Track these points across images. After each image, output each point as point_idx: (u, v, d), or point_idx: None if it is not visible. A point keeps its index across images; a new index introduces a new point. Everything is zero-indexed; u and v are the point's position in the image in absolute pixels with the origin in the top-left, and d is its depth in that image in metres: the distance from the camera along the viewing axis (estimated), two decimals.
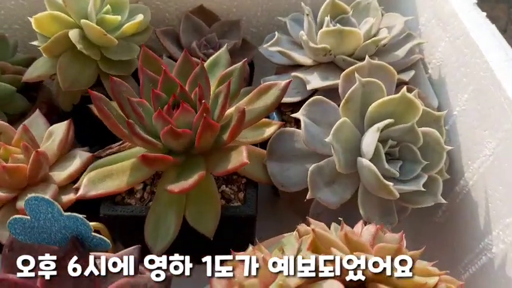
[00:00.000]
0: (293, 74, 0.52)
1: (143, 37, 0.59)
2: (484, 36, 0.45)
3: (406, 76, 0.50)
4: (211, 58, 0.53)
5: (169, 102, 0.45)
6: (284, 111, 0.56)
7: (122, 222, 0.47)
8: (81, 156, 0.49)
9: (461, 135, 0.48)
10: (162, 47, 0.61)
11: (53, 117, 0.59)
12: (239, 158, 0.40)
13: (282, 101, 0.53)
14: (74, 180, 0.48)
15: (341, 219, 0.36)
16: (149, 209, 0.45)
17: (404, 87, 0.42)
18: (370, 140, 0.42)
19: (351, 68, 0.47)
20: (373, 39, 0.50)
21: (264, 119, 0.51)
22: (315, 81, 0.50)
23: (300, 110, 0.46)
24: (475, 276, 0.45)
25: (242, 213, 0.47)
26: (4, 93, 0.56)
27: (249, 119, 0.48)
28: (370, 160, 0.42)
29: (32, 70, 0.55)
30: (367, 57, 0.47)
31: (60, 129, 0.51)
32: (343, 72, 0.47)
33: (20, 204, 0.45)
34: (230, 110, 0.50)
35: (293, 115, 0.46)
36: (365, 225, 0.37)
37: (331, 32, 0.50)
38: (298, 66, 0.55)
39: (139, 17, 0.55)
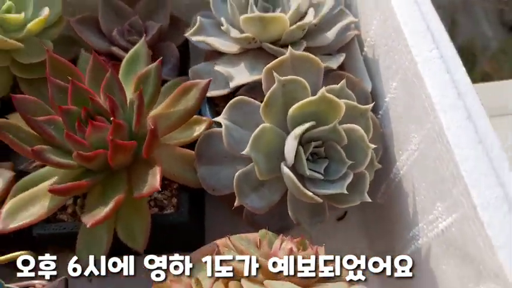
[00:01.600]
0: (216, 67, 0.48)
1: (56, 30, 0.54)
2: (411, 20, 0.41)
3: (334, 63, 0.47)
4: (127, 55, 0.49)
5: (80, 117, 0.42)
6: (218, 103, 0.53)
7: (55, 240, 0.47)
8: (2, 175, 0.47)
9: (393, 123, 0.46)
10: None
11: None
12: (152, 182, 0.39)
13: (212, 95, 0.51)
14: (1, 201, 0.46)
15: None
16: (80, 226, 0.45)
17: (323, 89, 0.40)
18: (290, 147, 0.40)
19: (271, 63, 0.43)
20: (298, 24, 0.46)
21: (194, 116, 0.48)
22: (239, 76, 0.47)
23: (222, 113, 0.44)
24: None
25: (175, 220, 0.47)
26: None
27: (169, 124, 0.46)
28: (292, 165, 0.41)
29: None
30: (289, 48, 0.44)
31: None
32: (264, 69, 0.43)
33: None
34: (152, 113, 0.47)
35: (215, 119, 0.44)
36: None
37: (251, 19, 0.46)
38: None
39: (45, 12, 0.50)
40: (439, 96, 0.37)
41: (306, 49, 0.48)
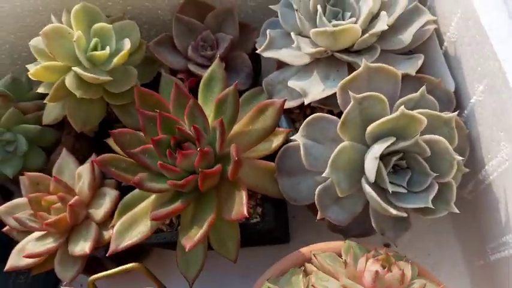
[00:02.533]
0: (290, 83, 0.49)
1: (138, 55, 0.58)
2: (498, 26, 0.38)
3: (412, 69, 0.45)
4: (204, 77, 0.52)
5: (171, 145, 0.46)
6: (292, 111, 0.54)
7: (157, 246, 0.53)
8: (109, 195, 0.53)
9: (481, 125, 0.44)
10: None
11: (81, 142, 0.64)
12: (239, 208, 0.42)
13: (287, 106, 0.52)
14: (109, 215, 0.53)
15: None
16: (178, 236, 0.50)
17: (402, 107, 0.39)
18: (370, 166, 0.40)
19: (346, 79, 0.43)
20: (371, 32, 0.45)
21: None
22: (313, 90, 0.47)
23: (299, 131, 0.45)
24: (497, 263, 0.45)
25: (262, 228, 0.50)
26: (33, 133, 0.60)
27: (249, 141, 0.48)
28: (373, 182, 0.41)
29: (47, 114, 0.58)
30: (363, 62, 0.43)
31: (86, 171, 0.55)
32: (338, 85, 0.43)
33: (72, 248, 0.52)
34: (233, 132, 0.50)
35: (292, 137, 0.45)
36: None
37: (323, 33, 0.45)
38: None
39: (127, 45, 0.54)
40: None
41: (381, 52, 0.47)
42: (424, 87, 0.43)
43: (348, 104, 0.43)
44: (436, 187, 0.41)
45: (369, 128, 0.41)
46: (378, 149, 0.40)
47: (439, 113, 0.41)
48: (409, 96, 0.42)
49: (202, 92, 0.52)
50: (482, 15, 0.39)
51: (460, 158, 0.40)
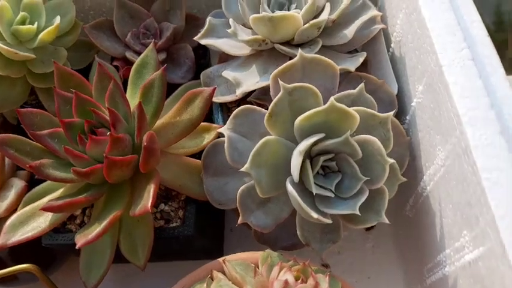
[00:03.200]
0: (224, 73, 0.45)
1: (71, 37, 0.53)
2: (438, 13, 0.35)
3: (352, 65, 0.41)
4: (136, 63, 0.48)
5: (85, 130, 0.42)
6: (230, 108, 0.50)
7: (64, 250, 0.47)
8: (16, 186, 0.48)
9: (421, 131, 0.40)
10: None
11: (3, 130, 0.58)
12: (144, 202, 0.37)
13: (222, 101, 0.48)
14: (13, 209, 0.47)
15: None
16: None
17: (332, 98, 0.35)
18: (295, 163, 0.36)
19: (279, 69, 0.39)
20: (312, 22, 0.42)
21: (203, 123, 0.46)
22: (246, 82, 0.44)
23: (226, 124, 0.41)
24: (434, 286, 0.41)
25: (180, 234, 0.45)
26: None
27: (175, 134, 0.44)
28: (300, 182, 0.37)
29: None
30: (299, 51, 0.39)
31: None
32: (271, 75, 0.40)
33: None
34: (159, 123, 0.45)
35: (218, 130, 0.41)
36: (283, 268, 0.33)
37: (261, 19, 0.42)
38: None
39: (57, 20, 0.49)
40: (466, 107, 0.31)
41: (323, 48, 0.44)
42: (362, 84, 0.39)
43: None
44: (366, 193, 0.37)
45: (297, 121, 0.37)
46: (303, 145, 0.36)
47: (374, 112, 0.38)
48: (346, 92, 0.39)
49: (133, 78, 0.48)
50: (423, 5, 0.36)
51: (393, 160, 0.36)
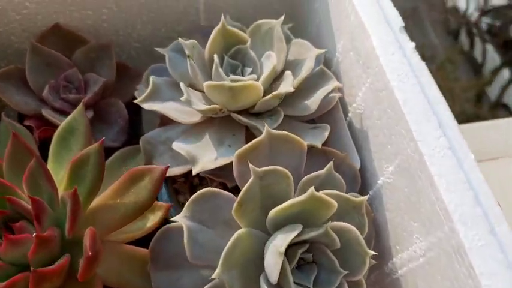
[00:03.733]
0: (174, 145, 0.39)
1: None
2: (413, 101, 0.34)
3: (318, 140, 0.39)
4: (60, 129, 0.39)
5: None
6: (176, 180, 0.44)
7: None
8: None
9: (389, 210, 0.39)
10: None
11: None
12: None
13: (170, 174, 0.41)
14: None
15: None
16: None
17: (311, 189, 0.32)
18: (272, 264, 0.32)
19: (245, 148, 0.35)
20: (274, 93, 0.38)
21: None
22: (203, 157, 0.38)
23: (183, 210, 0.34)
24: None
25: None
26: None
27: (114, 219, 0.36)
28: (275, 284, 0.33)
29: None
30: (265, 128, 0.35)
31: None
32: (235, 154, 0.35)
33: None
34: (94, 204, 0.37)
35: (174, 218, 0.34)
36: None
37: (218, 87, 0.37)
38: None
39: None
40: (454, 203, 0.30)
41: (285, 118, 0.40)
42: (331, 164, 0.36)
43: (246, 178, 0.35)
44: (346, 287, 0.34)
45: (272, 213, 0.32)
46: (282, 241, 0.32)
47: (348, 196, 0.35)
48: (315, 173, 0.36)
49: (56, 148, 0.39)
50: (396, 86, 0.34)
51: (373, 252, 0.34)
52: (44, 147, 0.41)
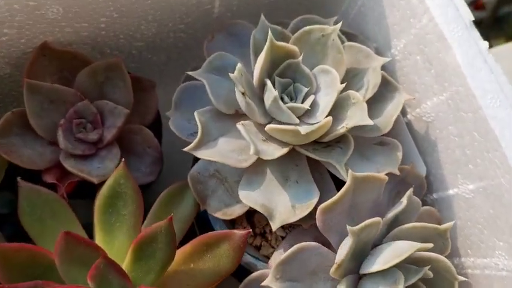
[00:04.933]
0: (241, 193, 0.34)
1: None
2: (500, 116, 0.31)
3: (393, 166, 0.36)
4: (102, 193, 0.33)
5: None
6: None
7: None
8: None
9: (461, 219, 0.38)
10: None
11: None
12: None
13: (229, 217, 0.38)
14: None
15: None
16: None
17: (415, 247, 0.30)
18: None
19: (331, 201, 0.32)
20: (347, 127, 0.34)
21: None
22: (279, 208, 0.34)
23: (271, 272, 0.32)
24: None
25: None
26: None
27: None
28: None
29: None
30: (350, 174, 0.32)
31: None
32: (319, 209, 0.32)
33: None
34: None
35: (264, 283, 0.32)
36: None
37: (289, 132, 0.32)
38: None
39: None
40: None
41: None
42: (411, 191, 0.35)
43: (331, 227, 0.33)
44: None
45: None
46: None
47: (434, 226, 0.34)
48: (399, 209, 0.34)
49: (102, 216, 0.34)
50: (490, 117, 0.31)
51: (462, 278, 0.34)
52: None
